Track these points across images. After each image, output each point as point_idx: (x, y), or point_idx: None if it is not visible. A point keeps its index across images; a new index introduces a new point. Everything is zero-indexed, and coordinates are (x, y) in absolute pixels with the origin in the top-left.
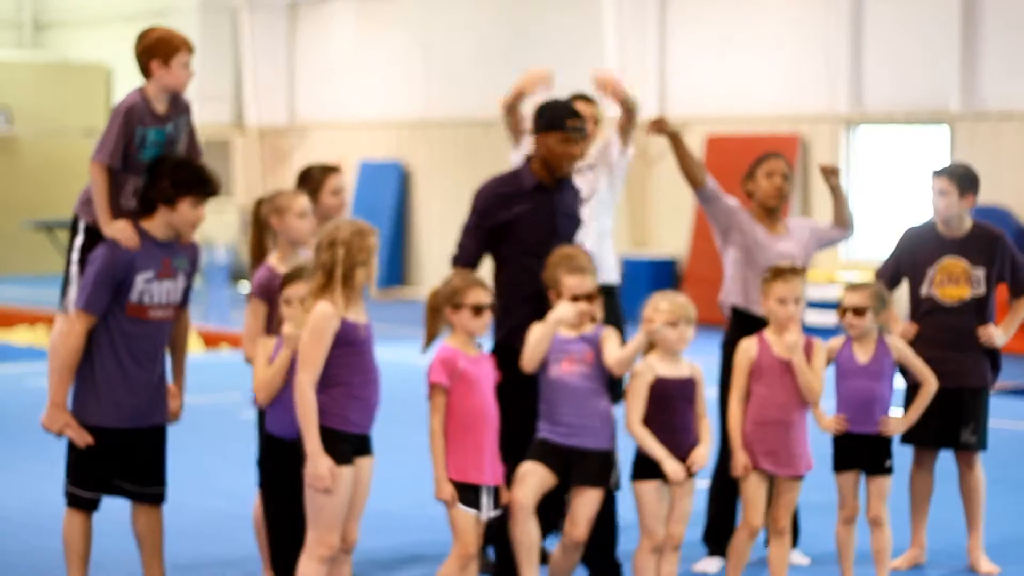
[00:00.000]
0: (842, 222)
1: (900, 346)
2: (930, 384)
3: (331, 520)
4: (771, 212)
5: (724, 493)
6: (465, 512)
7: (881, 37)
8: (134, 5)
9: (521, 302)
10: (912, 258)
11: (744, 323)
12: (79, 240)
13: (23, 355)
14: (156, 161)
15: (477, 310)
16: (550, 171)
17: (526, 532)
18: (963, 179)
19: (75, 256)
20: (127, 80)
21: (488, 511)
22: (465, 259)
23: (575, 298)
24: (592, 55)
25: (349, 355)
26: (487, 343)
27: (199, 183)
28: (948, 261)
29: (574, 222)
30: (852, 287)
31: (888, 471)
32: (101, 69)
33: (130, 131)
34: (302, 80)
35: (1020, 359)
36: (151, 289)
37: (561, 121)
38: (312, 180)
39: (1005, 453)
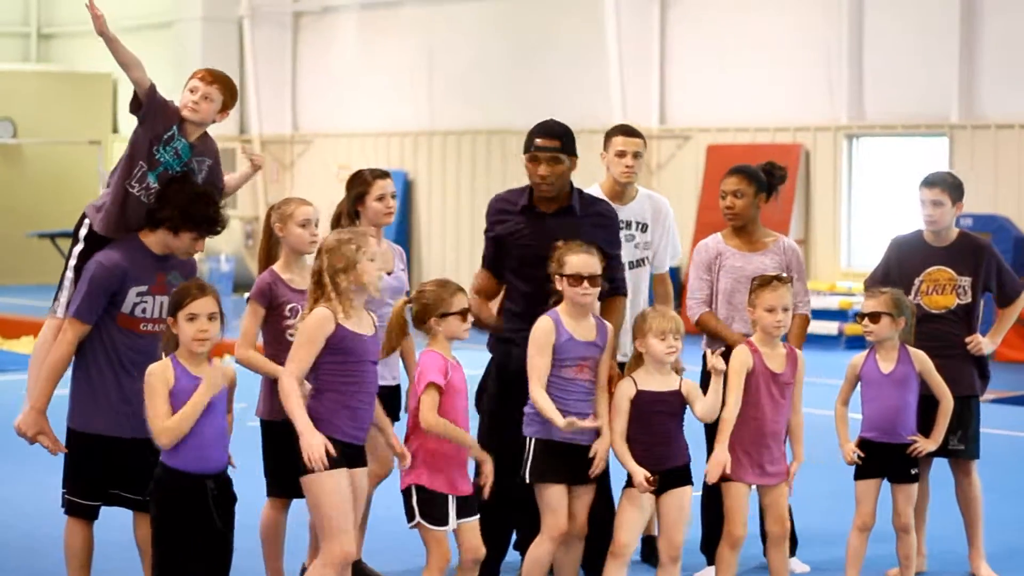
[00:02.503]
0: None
1: (923, 358)
2: (947, 401)
3: (341, 523)
4: (738, 229)
5: (716, 501)
6: (435, 529)
7: (881, 48)
8: (139, 16)
9: (509, 318)
10: (900, 267)
11: None
12: (78, 247)
13: (27, 364)
14: (178, 181)
15: (464, 315)
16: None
17: (547, 554)
18: (953, 188)
19: (72, 262)
20: (132, 91)
21: (454, 521)
22: (485, 264)
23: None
24: (594, 65)
25: (343, 363)
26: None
27: (206, 223)
28: (934, 270)
29: None
30: (869, 293)
31: (915, 478)
32: (106, 79)
33: (168, 119)
34: (305, 90)
35: (1019, 367)
36: (144, 303)
37: (529, 142)
38: (360, 183)
39: (1005, 461)
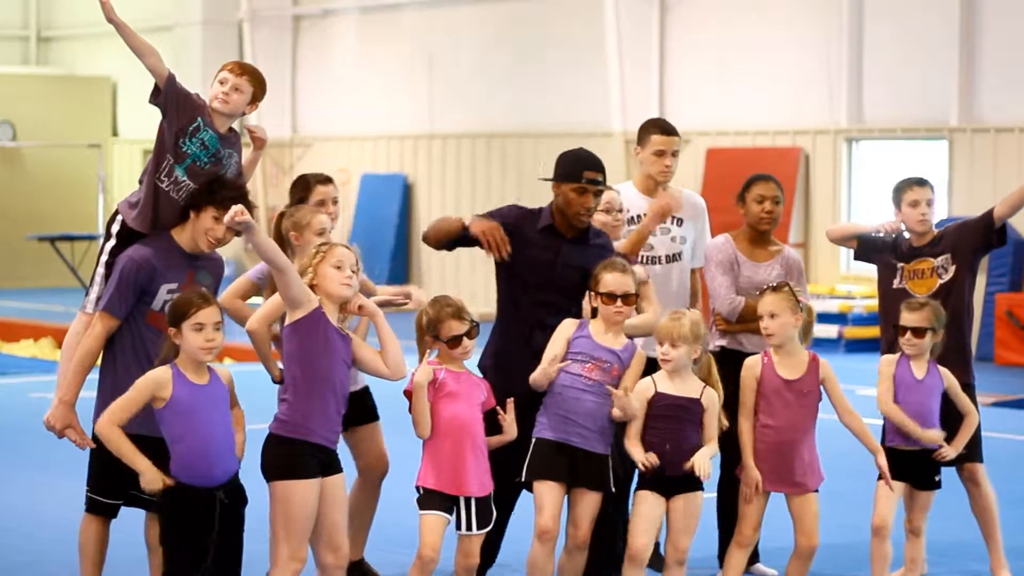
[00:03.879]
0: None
1: (949, 375)
2: (972, 416)
3: (301, 531)
4: (761, 234)
5: (730, 510)
6: (434, 516)
7: (881, 52)
8: (139, 19)
9: (501, 335)
10: (883, 258)
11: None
12: (110, 243)
13: (27, 367)
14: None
15: (452, 343)
16: (565, 219)
17: (544, 555)
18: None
19: (104, 258)
20: (131, 93)
21: (465, 526)
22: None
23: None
24: (594, 69)
25: (316, 347)
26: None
27: (225, 193)
28: (915, 261)
29: (580, 276)
30: (909, 306)
31: (937, 485)
32: (106, 82)
33: (192, 111)
34: (305, 93)
35: (1020, 371)
36: None
37: (578, 173)
38: (302, 188)
39: (1006, 465)
